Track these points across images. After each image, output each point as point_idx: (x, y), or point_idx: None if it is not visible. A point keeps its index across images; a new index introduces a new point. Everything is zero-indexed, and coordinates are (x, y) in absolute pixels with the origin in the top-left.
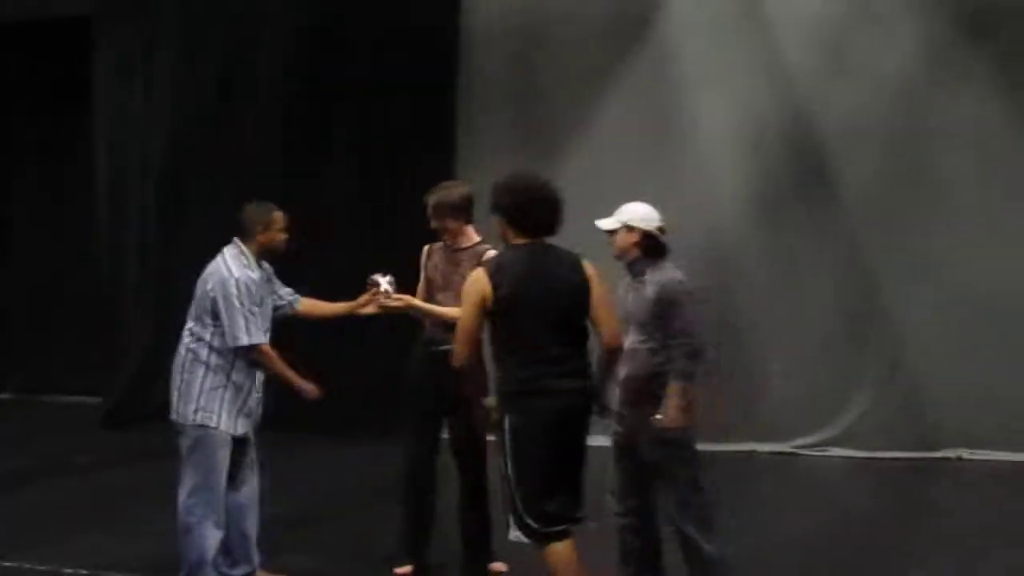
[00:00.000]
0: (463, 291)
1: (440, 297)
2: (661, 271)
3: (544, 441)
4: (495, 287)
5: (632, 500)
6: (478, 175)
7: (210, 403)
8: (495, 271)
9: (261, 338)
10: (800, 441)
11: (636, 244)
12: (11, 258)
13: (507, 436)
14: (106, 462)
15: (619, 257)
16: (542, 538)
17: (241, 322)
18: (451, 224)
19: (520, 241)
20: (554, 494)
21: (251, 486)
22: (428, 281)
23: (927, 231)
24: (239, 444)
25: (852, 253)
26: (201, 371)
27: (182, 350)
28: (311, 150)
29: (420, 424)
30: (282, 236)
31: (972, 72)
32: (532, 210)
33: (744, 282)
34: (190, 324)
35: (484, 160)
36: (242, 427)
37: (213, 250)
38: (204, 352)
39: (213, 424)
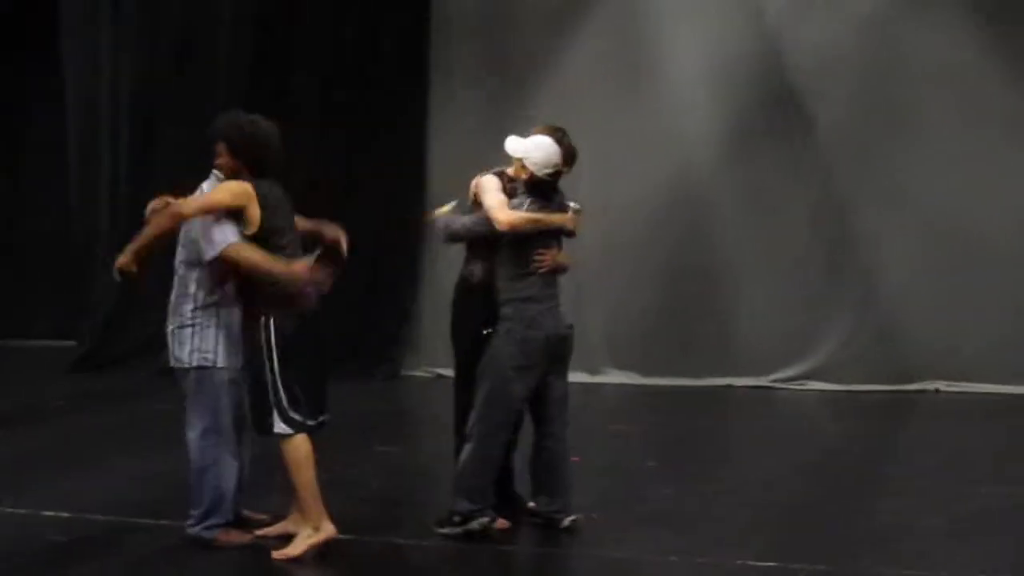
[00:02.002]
0: (230, 188)
1: None
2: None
3: (313, 344)
4: (263, 207)
5: None
6: (450, 109)
7: (205, 343)
8: (263, 195)
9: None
10: (777, 375)
11: (524, 181)
12: None
13: (272, 335)
14: (80, 406)
15: (511, 180)
16: (304, 430)
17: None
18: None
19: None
20: (312, 387)
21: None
22: None
23: (900, 163)
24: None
25: (825, 186)
26: (189, 310)
27: (173, 295)
28: (278, 87)
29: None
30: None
31: (944, 3)
32: (269, 158)
33: (717, 217)
34: (179, 263)
35: (456, 95)
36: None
37: (182, 192)
38: (192, 290)
39: (209, 363)
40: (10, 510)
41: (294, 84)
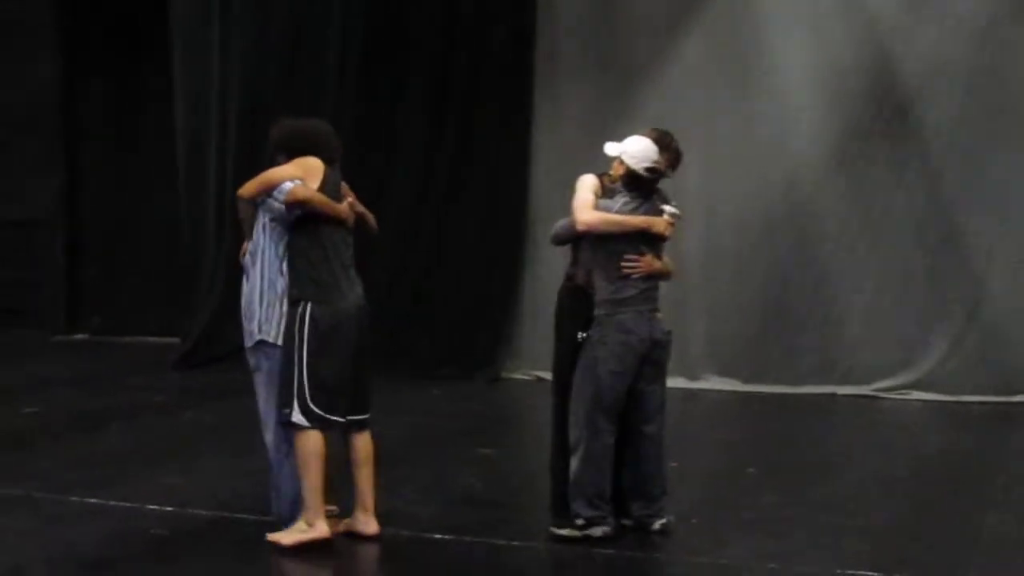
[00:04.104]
0: (296, 162)
1: None
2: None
3: (344, 336)
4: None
5: None
6: (554, 109)
7: (270, 318)
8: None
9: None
10: (880, 384)
11: (621, 177)
12: (87, 200)
13: (307, 324)
14: (182, 402)
15: (612, 182)
16: (323, 425)
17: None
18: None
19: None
20: (340, 384)
21: None
22: None
23: (1009, 170)
24: None
25: (933, 194)
26: (258, 286)
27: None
28: (387, 83)
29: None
30: None
31: None
32: (318, 147)
33: (823, 224)
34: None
35: (561, 95)
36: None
37: None
38: (259, 265)
39: (272, 339)
40: (113, 503)
41: (403, 81)
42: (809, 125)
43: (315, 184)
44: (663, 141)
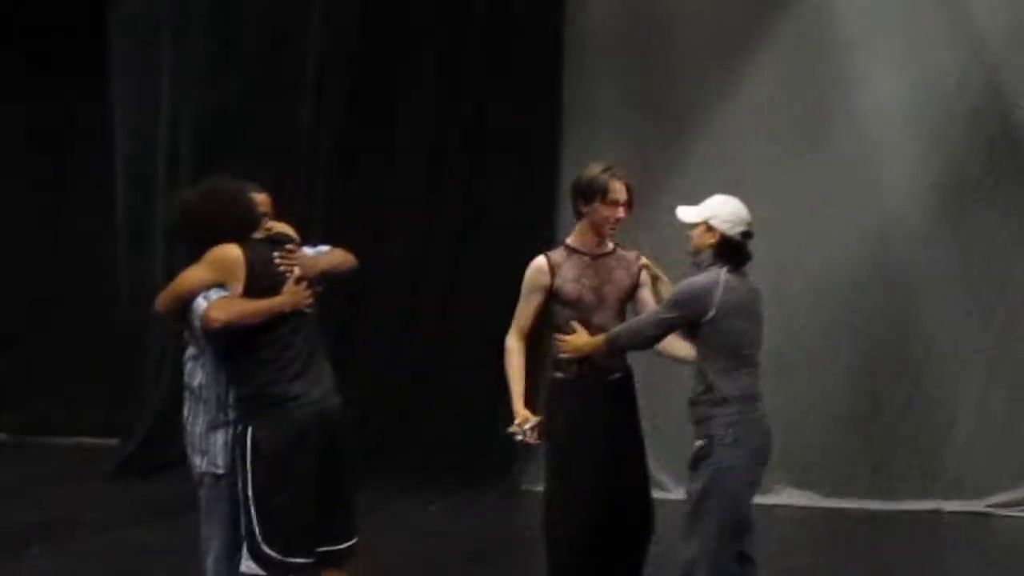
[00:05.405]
0: (207, 261)
1: (596, 319)
2: None
3: (304, 453)
4: (249, 271)
5: None
6: (587, 158)
7: (211, 445)
8: (250, 260)
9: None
10: (996, 499)
11: (711, 246)
12: (5, 268)
13: (248, 451)
14: (124, 519)
15: (693, 254)
16: (280, 570)
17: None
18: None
19: None
20: (300, 517)
21: None
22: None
23: None
24: None
25: None
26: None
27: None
28: (376, 125)
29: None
30: None
31: None
32: (233, 224)
33: (924, 296)
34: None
35: (593, 142)
36: None
37: None
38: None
39: (220, 470)
40: None
41: (397, 139)
42: (903, 174)
43: (238, 284)
44: (610, 171)
